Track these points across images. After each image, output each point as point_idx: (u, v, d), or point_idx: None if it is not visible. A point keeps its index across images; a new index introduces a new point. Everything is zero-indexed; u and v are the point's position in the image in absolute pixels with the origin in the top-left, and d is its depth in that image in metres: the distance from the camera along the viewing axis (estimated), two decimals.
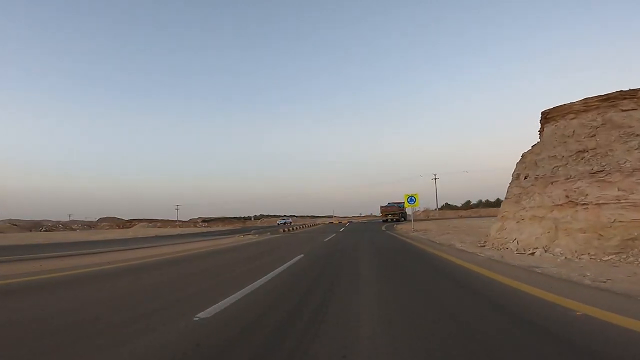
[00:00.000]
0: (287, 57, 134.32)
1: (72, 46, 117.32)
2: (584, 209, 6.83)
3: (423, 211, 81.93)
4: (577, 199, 7.07)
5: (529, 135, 19.93)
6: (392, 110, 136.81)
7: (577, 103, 8.39)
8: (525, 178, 9.10)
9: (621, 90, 7.72)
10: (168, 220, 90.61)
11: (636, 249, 5.84)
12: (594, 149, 7.44)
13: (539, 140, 9.70)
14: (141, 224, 73.59)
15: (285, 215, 67.09)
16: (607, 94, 7.87)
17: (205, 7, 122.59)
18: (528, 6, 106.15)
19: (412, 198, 20.03)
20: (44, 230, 57.68)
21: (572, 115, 8.41)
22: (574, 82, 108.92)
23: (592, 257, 6.11)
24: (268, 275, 5.50)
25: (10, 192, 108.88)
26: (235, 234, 25.92)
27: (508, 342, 2.34)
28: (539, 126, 9.76)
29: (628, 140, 7.05)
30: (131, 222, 78.49)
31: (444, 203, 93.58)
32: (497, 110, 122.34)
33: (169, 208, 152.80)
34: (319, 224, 50.97)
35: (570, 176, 7.47)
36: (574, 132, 8.09)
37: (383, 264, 7.10)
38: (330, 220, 64.64)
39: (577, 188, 7.16)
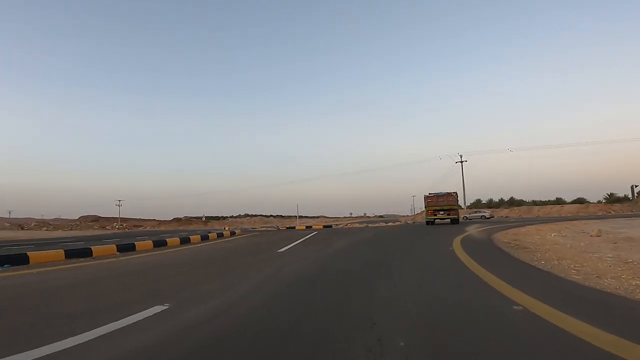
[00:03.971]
0: (254, 51, 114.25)
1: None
2: None
3: None
4: None
5: None
6: (393, 101, 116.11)
7: None
8: None
9: None
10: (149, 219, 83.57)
11: None
12: None
13: None
14: None
15: None
16: None
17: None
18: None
19: None
20: None
21: None
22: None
23: None
24: None
25: None
26: None
27: None
28: None
29: None
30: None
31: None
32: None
33: (169, 208, 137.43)
34: (259, 229, 27.09)
35: None
36: None
37: None
38: (294, 224, 40.60)
39: None
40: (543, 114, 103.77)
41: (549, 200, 62.76)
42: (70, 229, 72.21)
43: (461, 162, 53.29)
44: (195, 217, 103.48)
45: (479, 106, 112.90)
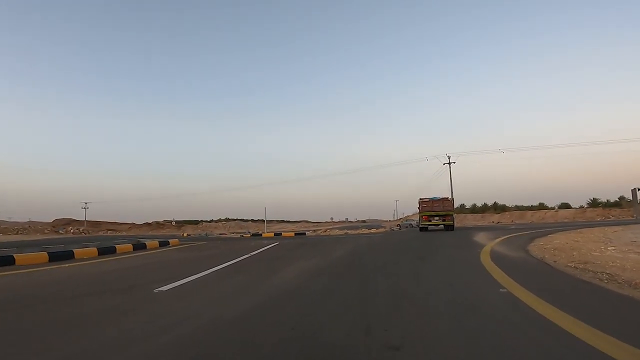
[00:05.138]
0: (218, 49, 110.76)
1: None
2: None
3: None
4: None
5: None
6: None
7: None
8: None
9: None
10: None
11: None
12: None
13: None
14: None
15: None
16: None
17: None
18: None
19: None
20: None
21: None
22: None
23: None
24: None
25: None
26: None
27: None
28: None
29: None
30: None
31: None
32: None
33: (148, 210, 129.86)
34: (224, 236, 22.41)
35: None
36: None
37: None
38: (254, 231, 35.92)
39: None
40: (528, 117, 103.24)
41: (532, 206, 60.64)
42: (17, 233, 65.17)
43: (449, 163, 50.13)
44: (168, 221, 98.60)
45: (465, 108, 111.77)
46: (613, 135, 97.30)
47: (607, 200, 55.62)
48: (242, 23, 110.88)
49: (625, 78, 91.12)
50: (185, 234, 37.73)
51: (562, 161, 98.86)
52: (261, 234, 26.95)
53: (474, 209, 63.52)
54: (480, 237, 13.75)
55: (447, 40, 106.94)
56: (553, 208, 56.81)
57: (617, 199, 55.30)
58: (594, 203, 53.48)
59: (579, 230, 16.86)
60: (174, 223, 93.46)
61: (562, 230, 17.13)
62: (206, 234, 36.42)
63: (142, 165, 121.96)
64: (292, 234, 26.55)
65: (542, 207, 57.74)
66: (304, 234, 26.49)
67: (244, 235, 27.75)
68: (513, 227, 25.79)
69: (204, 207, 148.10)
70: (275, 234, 26.43)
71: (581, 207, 55.98)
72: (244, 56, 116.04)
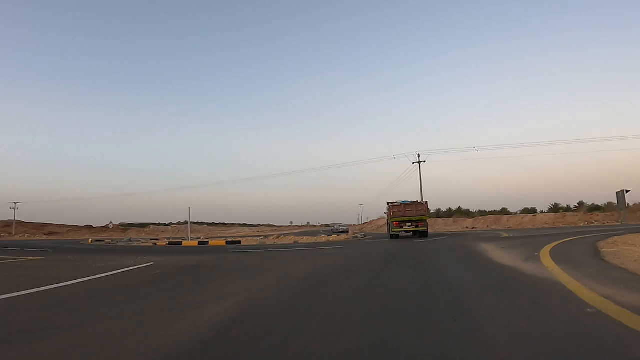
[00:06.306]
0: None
1: None
2: None
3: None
4: None
5: None
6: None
7: None
8: None
9: None
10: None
11: None
12: None
13: None
14: None
15: None
16: None
17: None
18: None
19: None
20: None
21: None
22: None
23: None
24: None
25: None
26: None
27: None
28: None
29: None
30: None
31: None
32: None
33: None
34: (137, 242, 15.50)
35: None
36: None
37: None
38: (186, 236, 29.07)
39: None
40: (487, 120, 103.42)
41: (495, 210, 58.43)
42: None
43: (419, 162, 45.79)
44: (123, 223, 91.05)
45: (429, 111, 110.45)
46: (573, 138, 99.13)
47: (568, 205, 54.28)
48: (188, 26, 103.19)
49: (587, 81, 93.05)
50: (90, 240, 30.09)
51: (522, 165, 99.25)
52: (181, 242, 20.27)
53: (439, 214, 60.46)
54: (498, 255, 8.08)
55: (414, 42, 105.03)
56: (508, 213, 54.64)
57: (577, 205, 54.07)
58: (555, 208, 51.66)
59: (619, 237, 11.75)
60: (111, 226, 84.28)
61: (598, 240, 11.93)
62: (124, 240, 29.03)
63: (94, 164, 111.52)
64: (224, 241, 20.04)
65: (505, 211, 55.50)
66: (239, 242, 20.05)
67: (158, 244, 20.95)
68: (505, 234, 20.96)
69: (163, 208, 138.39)
70: (200, 243, 19.82)
71: (541, 211, 54.28)
72: (226, 59, 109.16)
